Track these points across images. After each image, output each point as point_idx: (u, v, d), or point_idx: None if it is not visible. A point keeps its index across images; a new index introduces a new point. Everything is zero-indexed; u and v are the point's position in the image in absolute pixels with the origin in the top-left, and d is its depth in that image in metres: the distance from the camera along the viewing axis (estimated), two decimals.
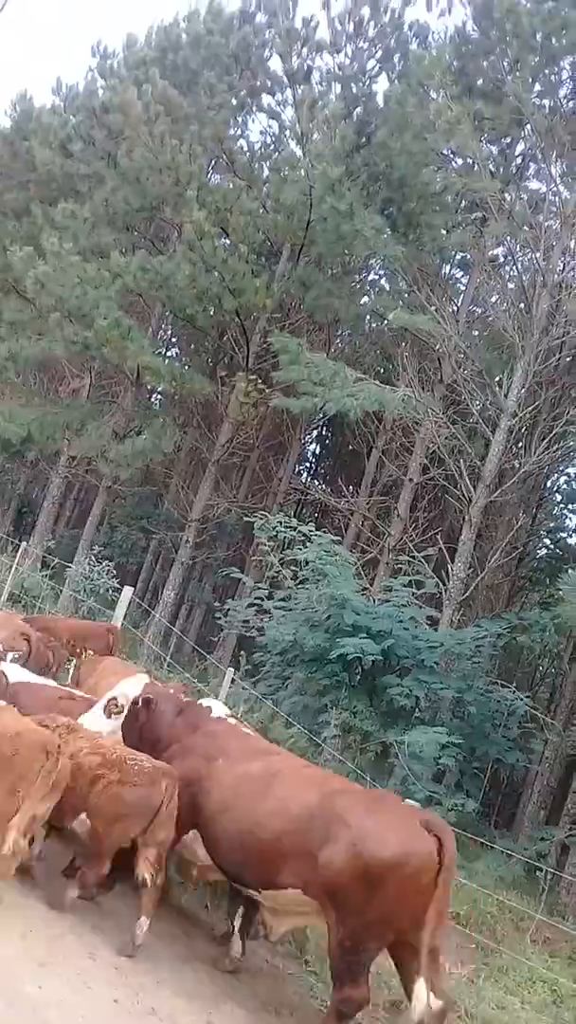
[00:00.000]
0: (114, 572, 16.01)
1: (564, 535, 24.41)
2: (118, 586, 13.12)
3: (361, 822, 4.41)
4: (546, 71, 16.47)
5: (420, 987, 4.38)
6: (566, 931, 8.71)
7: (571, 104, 16.49)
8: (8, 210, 22.74)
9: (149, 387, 22.23)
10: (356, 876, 4.30)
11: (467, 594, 14.77)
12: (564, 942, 8.92)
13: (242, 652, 13.10)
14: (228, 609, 14.26)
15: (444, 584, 14.16)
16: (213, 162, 20.84)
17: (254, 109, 22.03)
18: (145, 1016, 4.36)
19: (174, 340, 27.97)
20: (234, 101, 20.67)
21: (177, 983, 4.83)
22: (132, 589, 10.41)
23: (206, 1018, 4.59)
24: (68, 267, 17.64)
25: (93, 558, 16.57)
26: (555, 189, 16.78)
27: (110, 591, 14.53)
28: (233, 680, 9.94)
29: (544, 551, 24.62)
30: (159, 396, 25.73)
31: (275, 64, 20.23)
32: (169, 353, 27.46)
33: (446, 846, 4.37)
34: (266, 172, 19.79)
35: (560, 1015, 6.69)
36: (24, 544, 17.29)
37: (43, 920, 4.91)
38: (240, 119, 22.34)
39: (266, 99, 21.45)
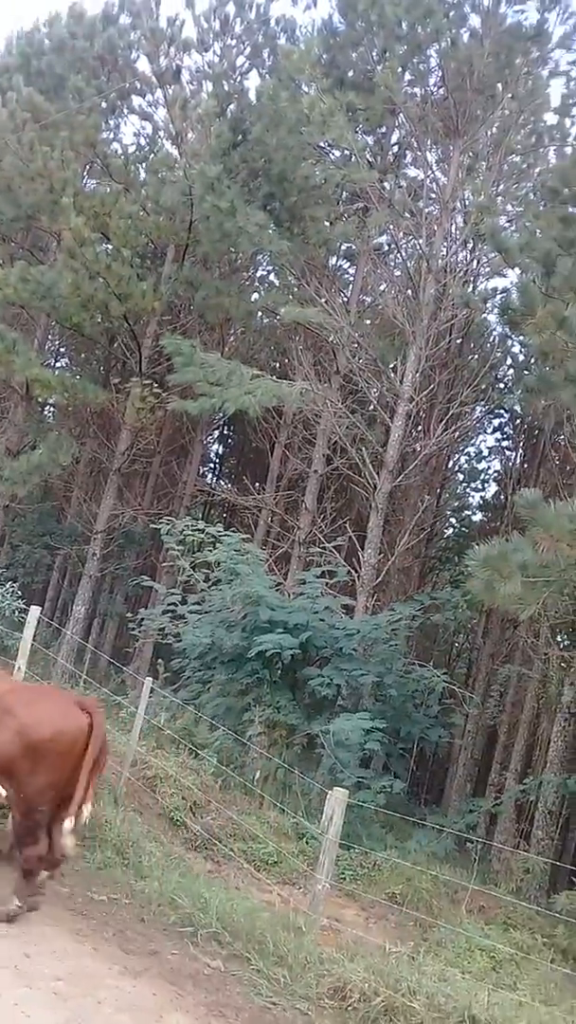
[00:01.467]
0: (19, 593, 15.56)
1: (469, 513, 25.06)
2: (25, 606, 12.76)
3: (23, 711, 5.42)
4: (414, 59, 16.76)
5: (67, 823, 5.32)
6: (499, 897, 8.91)
7: (441, 91, 16.82)
8: None
9: (40, 400, 21.70)
10: (24, 755, 5.30)
11: (379, 579, 14.95)
12: (498, 908, 9.12)
13: (160, 660, 12.91)
14: (142, 618, 14.04)
15: (356, 572, 14.30)
16: (87, 167, 20.47)
17: (125, 111, 21.74)
18: None
19: (63, 350, 27.39)
20: (104, 104, 20.33)
21: (117, 999, 4.72)
22: (40, 608, 10.13)
23: None
24: None
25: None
26: (432, 175, 17.16)
27: (16, 612, 14.12)
28: (152, 690, 9.78)
29: (451, 530, 25.23)
30: (52, 408, 25.17)
31: (143, 65, 20.02)
32: (59, 364, 26.90)
33: (96, 719, 5.49)
34: (143, 174, 19.53)
35: (500, 980, 6.83)
36: None
37: None
38: (112, 122, 22.02)
39: (137, 100, 21.21)
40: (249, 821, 8.69)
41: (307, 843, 8.75)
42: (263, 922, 6.20)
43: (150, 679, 9.82)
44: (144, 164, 19.99)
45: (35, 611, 9.99)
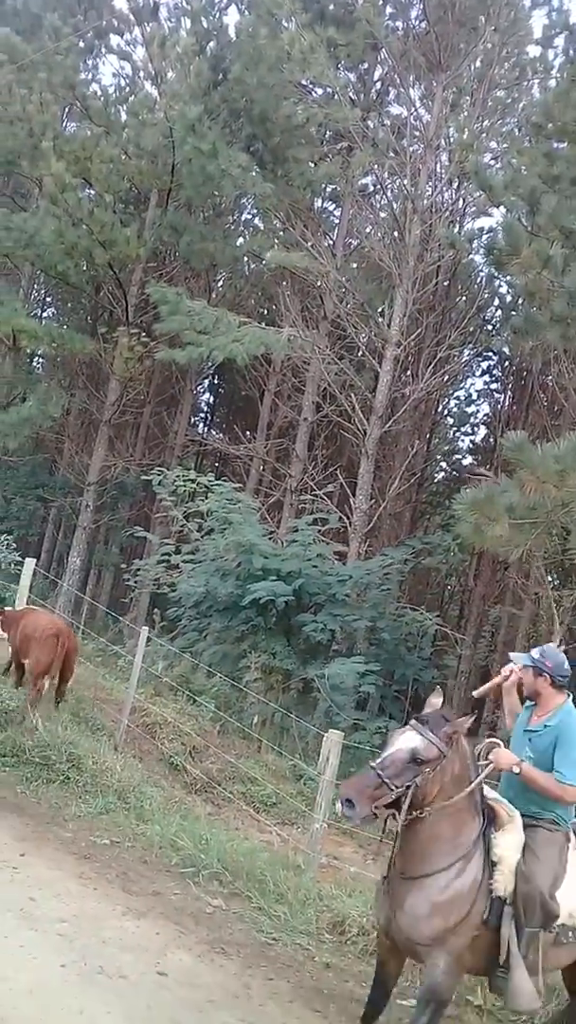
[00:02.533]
0: (14, 545, 15.63)
1: (459, 457, 25.07)
2: (20, 559, 12.83)
3: (26, 622, 8.52)
4: None
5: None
6: None
7: (423, 25, 16.38)
8: None
9: (28, 351, 21.48)
10: (26, 642, 8.33)
11: (371, 525, 15.04)
12: None
13: (156, 610, 13.05)
14: (137, 569, 14.15)
15: (348, 518, 14.37)
16: (67, 109, 19.99)
17: (103, 51, 21.15)
18: (93, 976, 4.41)
19: (48, 300, 27.01)
20: (82, 44, 19.77)
21: (121, 939, 4.90)
22: (35, 560, 10.22)
23: (154, 968, 4.66)
24: None
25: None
26: (416, 113, 16.81)
27: (12, 564, 14.20)
28: (149, 639, 9.92)
29: (441, 474, 25.28)
30: (40, 360, 24.94)
31: (120, 2, 19.48)
32: (45, 314, 26.56)
33: (66, 630, 8.43)
34: (124, 116, 19.07)
35: None
36: None
37: None
38: (90, 63, 21.50)
39: (115, 40, 20.55)
40: (247, 764, 8.89)
41: (305, 784, 8.96)
42: (263, 861, 6.41)
43: (146, 628, 9.94)
44: (124, 106, 19.51)
45: (30, 563, 10.09)
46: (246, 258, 21.63)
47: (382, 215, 17.99)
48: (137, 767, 8.00)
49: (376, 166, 16.75)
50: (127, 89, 20.78)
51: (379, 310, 16.90)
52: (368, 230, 18.08)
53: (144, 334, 17.61)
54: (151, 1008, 4.24)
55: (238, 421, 24.55)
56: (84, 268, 18.76)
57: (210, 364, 20.01)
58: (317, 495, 14.23)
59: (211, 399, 28.69)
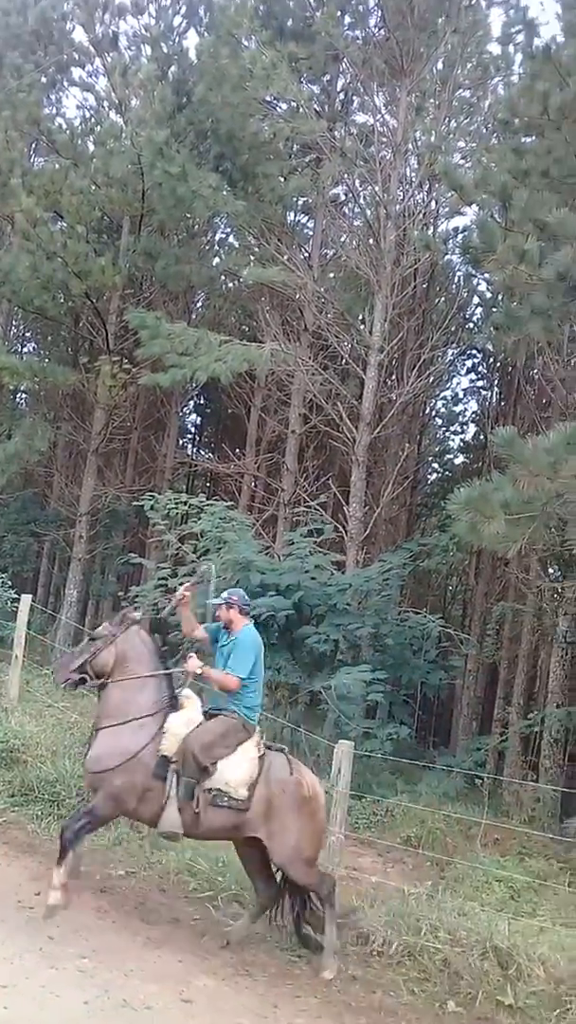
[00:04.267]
0: (9, 583, 15.51)
1: (450, 456, 25.08)
2: (16, 596, 12.72)
3: None
4: (352, 1, 16.46)
5: None
6: (512, 829, 9.09)
7: (382, 32, 16.48)
8: None
9: (11, 388, 21.47)
10: None
11: (367, 532, 14.97)
12: (512, 840, 9.31)
13: (156, 635, 12.93)
14: (135, 596, 14.02)
15: (343, 527, 14.31)
16: (33, 145, 20.07)
17: (66, 84, 21.19)
18: (118, 1010, 4.34)
19: (28, 335, 27.03)
20: (44, 79, 19.84)
21: (144, 970, 4.82)
22: (32, 596, 10.14)
23: (179, 996, 4.58)
24: None
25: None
26: (382, 119, 16.86)
27: (9, 602, 14.08)
28: None
29: (435, 475, 25.29)
30: (23, 395, 24.91)
31: (79, 35, 19.55)
32: (26, 349, 26.57)
33: None
34: (91, 147, 19.14)
35: (519, 908, 6.98)
36: None
37: (2, 944, 4.84)
38: (53, 96, 21.54)
39: (77, 72, 20.63)
40: None
41: None
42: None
43: None
44: (91, 136, 19.58)
45: (27, 599, 10.01)
46: (223, 277, 21.67)
47: (356, 223, 18.04)
48: None
49: (346, 175, 16.81)
50: (92, 120, 20.83)
51: (360, 317, 16.92)
52: (343, 239, 18.12)
53: (126, 361, 17.59)
54: None
55: (226, 439, 24.52)
56: (61, 300, 18.75)
57: (194, 385, 20.00)
58: (311, 506, 14.15)
59: (198, 420, 28.69)
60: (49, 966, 4.68)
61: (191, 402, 26.07)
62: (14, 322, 24.36)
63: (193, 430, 28.98)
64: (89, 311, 19.31)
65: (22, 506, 22.94)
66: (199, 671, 5.41)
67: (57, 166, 17.88)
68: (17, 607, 10.06)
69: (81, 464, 20.79)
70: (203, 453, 25.91)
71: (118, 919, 5.49)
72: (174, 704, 5.29)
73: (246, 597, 5.82)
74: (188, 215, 18.98)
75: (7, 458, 17.88)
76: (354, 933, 5.69)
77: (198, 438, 28.99)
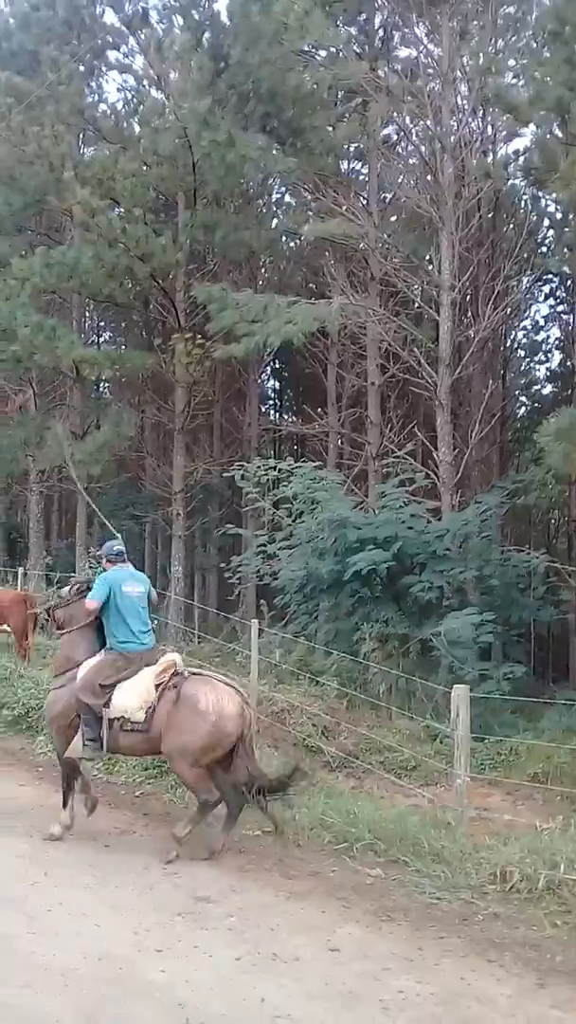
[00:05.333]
0: None
1: (538, 388, 24.43)
2: None
3: None
4: None
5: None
6: None
7: None
8: None
9: (93, 378, 21.96)
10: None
11: (459, 475, 14.77)
12: None
13: (263, 601, 13.18)
14: (237, 565, 14.29)
15: (434, 473, 14.15)
16: (81, 135, 20.25)
17: (104, 69, 21.30)
18: (269, 963, 4.49)
19: (102, 324, 27.52)
20: (81, 68, 19.98)
21: (289, 923, 4.98)
22: None
23: (326, 946, 4.72)
24: None
25: (92, 560, 16.55)
26: (425, 50, 16.32)
27: None
28: (261, 630, 10.04)
29: (523, 409, 24.67)
30: (106, 384, 25.45)
31: (110, 17, 19.57)
32: (102, 339, 27.08)
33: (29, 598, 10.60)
34: (136, 128, 19.21)
35: None
36: (21, 568, 17.29)
37: (154, 910, 5.12)
38: (94, 84, 21.64)
39: (113, 55, 20.70)
40: (381, 733, 8.91)
41: (441, 743, 8.90)
42: (413, 825, 6.41)
43: (255, 621, 10.06)
44: (135, 117, 19.65)
45: None
46: (284, 237, 21.55)
47: (411, 161, 17.55)
48: (274, 754, 8.10)
49: (395, 114, 16.33)
50: (134, 100, 20.93)
51: (426, 258, 16.55)
52: (400, 180, 17.67)
53: (199, 336, 17.73)
54: (329, 984, 4.30)
55: (307, 400, 24.47)
56: (129, 286, 19.02)
57: (268, 351, 20.00)
58: (399, 457, 14.05)
59: (277, 384, 28.76)
60: (200, 927, 4.90)
61: (268, 368, 26.16)
62: (87, 313, 24.80)
63: (273, 395, 29.09)
64: (157, 292, 19.51)
65: (119, 492, 23.57)
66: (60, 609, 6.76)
67: (107, 152, 18.07)
68: None
69: (169, 444, 21.17)
70: (286, 417, 25.97)
71: (260, 877, 5.69)
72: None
73: (113, 548, 6.69)
74: (241, 180, 18.94)
75: (98, 448, 18.35)
76: (489, 871, 5.73)
77: (279, 402, 29.08)
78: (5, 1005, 3.97)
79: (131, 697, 6.03)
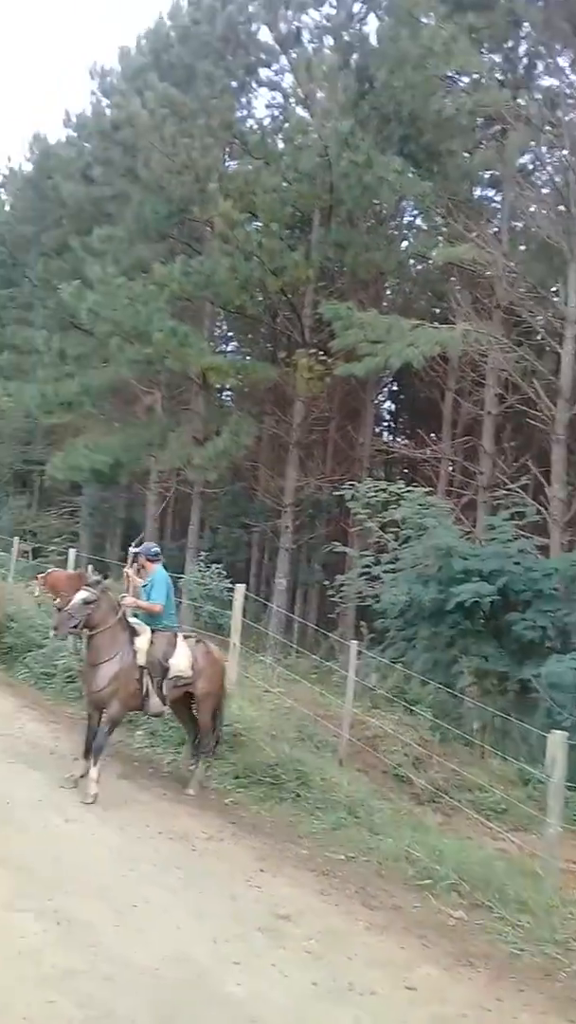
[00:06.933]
0: (224, 572, 16.30)
1: None
2: (231, 585, 13.37)
3: None
4: None
5: None
6: None
7: None
8: (49, 250, 23.37)
9: (218, 387, 22.47)
10: None
11: (572, 513, 14.45)
12: None
13: (363, 622, 13.20)
14: (340, 584, 14.36)
15: (545, 509, 13.89)
16: (228, 149, 20.80)
17: (254, 86, 21.90)
18: (345, 993, 4.53)
19: (230, 334, 28.12)
20: (234, 83, 20.61)
21: (368, 955, 5.00)
22: (244, 585, 10.61)
23: (403, 984, 4.72)
24: (116, 290, 18.03)
25: (202, 563, 16.92)
26: (567, 80, 16.11)
27: (224, 592, 14.82)
28: (360, 652, 10.06)
29: None
30: (229, 392, 25.97)
31: (264, 35, 20.13)
32: (228, 348, 27.65)
33: None
34: (280, 144, 19.63)
35: None
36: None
37: (232, 921, 5.20)
38: (244, 99, 22.24)
39: (264, 72, 21.33)
40: (472, 771, 8.80)
41: (534, 788, 8.73)
42: (500, 870, 6.32)
43: (355, 643, 10.08)
44: (280, 134, 20.08)
45: (240, 588, 10.48)
46: (412, 260, 21.53)
47: (544, 191, 17.32)
48: (363, 781, 8.13)
49: (533, 143, 16.21)
50: (280, 117, 21.40)
51: (553, 289, 16.26)
52: (532, 209, 17.45)
53: (322, 352, 17.94)
54: None
55: (422, 424, 24.33)
56: (259, 298, 19.43)
57: (388, 372, 20.04)
58: (510, 489, 13.86)
59: (393, 406, 28.68)
60: (278, 946, 4.96)
61: (385, 389, 26.14)
62: (217, 323, 25.40)
63: (388, 417, 29.03)
64: (285, 307, 19.85)
65: (232, 499, 24.00)
66: (135, 605, 7.68)
67: (250, 167, 18.49)
68: (232, 596, 10.55)
69: (284, 456, 21.42)
70: (399, 440, 25.87)
71: (340, 902, 5.72)
72: (133, 633, 7.51)
73: (151, 549, 8.09)
74: (375, 202, 19.04)
75: (217, 454, 18.77)
76: None
77: (394, 424, 29.00)
78: (87, 995, 4.10)
79: (181, 659, 7.57)
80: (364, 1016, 4.31)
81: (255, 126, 20.94)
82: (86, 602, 7.24)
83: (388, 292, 23.61)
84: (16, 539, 19.78)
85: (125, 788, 7.50)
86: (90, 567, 15.89)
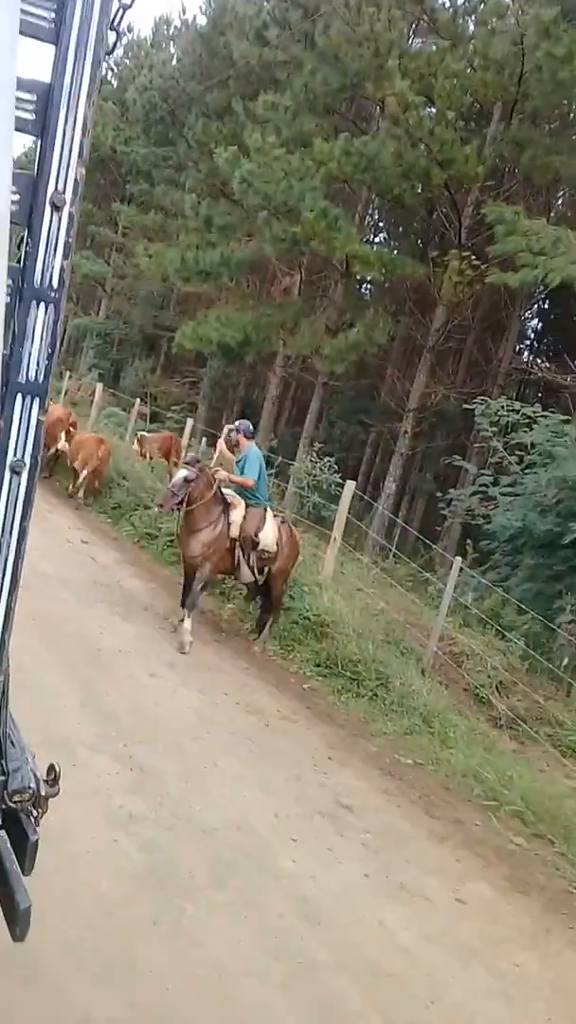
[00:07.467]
0: (335, 467, 16.15)
1: None
2: (340, 480, 13.24)
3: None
4: None
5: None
6: None
7: None
8: (210, 111, 22.79)
9: (359, 278, 21.78)
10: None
11: None
12: None
13: (468, 540, 12.88)
14: (451, 498, 14.01)
15: None
16: (414, 25, 19.53)
17: None
18: (395, 891, 4.55)
19: (381, 224, 27.08)
20: None
21: (424, 862, 5.00)
22: (354, 483, 10.46)
23: (454, 895, 4.71)
24: (272, 162, 17.45)
25: (314, 454, 16.80)
26: None
27: (332, 486, 14.72)
28: (461, 569, 9.83)
29: None
30: (369, 286, 25.20)
31: None
32: (377, 239, 26.70)
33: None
34: (472, 27, 18.26)
35: None
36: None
37: (295, 801, 5.26)
38: None
39: None
40: (555, 707, 8.60)
41: None
42: (569, 808, 6.19)
43: (459, 558, 9.86)
44: (473, 15, 18.68)
45: (350, 485, 10.35)
46: None
47: None
48: (443, 693, 8.05)
49: None
50: None
51: None
52: None
53: (475, 257, 17.05)
54: (447, 933, 4.30)
55: (568, 349, 23.13)
56: (420, 190, 18.50)
57: (543, 288, 18.94)
58: None
59: (539, 325, 27.34)
60: (336, 832, 5.02)
61: (535, 306, 24.86)
62: (370, 210, 24.47)
63: (532, 336, 27.70)
64: (445, 203, 18.88)
65: (355, 396, 23.61)
66: (228, 479, 7.98)
67: (434, 47, 17.36)
68: (341, 491, 10.46)
69: (415, 360, 20.82)
70: (540, 361, 24.71)
71: (403, 805, 5.72)
72: (227, 505, 7.91)
73: (247, 425, 8.32)
74: (566, 102, 17.63)
75: (347, 347, 18.35)
76: None
77: (537, 345, 27.68)
78: (149, 840, 4.22)
79: (270, 534, 8.01)
80: (411, 917, 4.31)
81: (447, 3, 19.51)
82: (187, 480, 7.61)
83: (560, 203, 22.13)
84: (137, 400, 20.11)
85: (210, 656, 7.64)
86: (203, 439, 16.17)
